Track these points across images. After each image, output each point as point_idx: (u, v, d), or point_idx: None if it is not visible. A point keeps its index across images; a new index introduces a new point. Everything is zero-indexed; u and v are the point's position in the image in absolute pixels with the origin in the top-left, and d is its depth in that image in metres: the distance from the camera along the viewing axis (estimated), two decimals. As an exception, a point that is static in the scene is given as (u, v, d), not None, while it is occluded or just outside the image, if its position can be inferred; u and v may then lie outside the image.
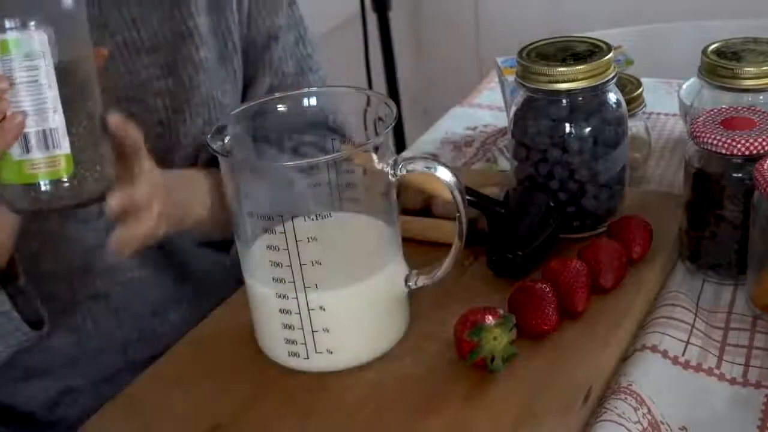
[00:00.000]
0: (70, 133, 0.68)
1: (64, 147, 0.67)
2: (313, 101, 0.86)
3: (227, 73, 0.96)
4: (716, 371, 0.77)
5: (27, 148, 0.67)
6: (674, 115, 1.19)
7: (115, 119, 0.72)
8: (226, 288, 0.98)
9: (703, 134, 0.81)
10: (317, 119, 0.88)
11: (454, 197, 0.72)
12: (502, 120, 1.24)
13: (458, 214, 0.72)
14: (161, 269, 0.95)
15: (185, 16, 0.91)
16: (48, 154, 0.67)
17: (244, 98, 0.99)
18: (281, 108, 0.81)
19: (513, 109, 0.89)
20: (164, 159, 0.85)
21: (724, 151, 0.80)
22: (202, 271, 0.98)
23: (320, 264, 0.70)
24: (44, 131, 0.67)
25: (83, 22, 0.69)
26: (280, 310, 0.73)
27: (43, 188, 0.68)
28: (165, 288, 0.96)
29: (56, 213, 0.70)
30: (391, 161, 0.72)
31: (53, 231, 0.88)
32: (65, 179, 0.68)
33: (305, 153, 0.92)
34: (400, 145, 2.04)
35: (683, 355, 0.77)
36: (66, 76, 0.67)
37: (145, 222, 0.75)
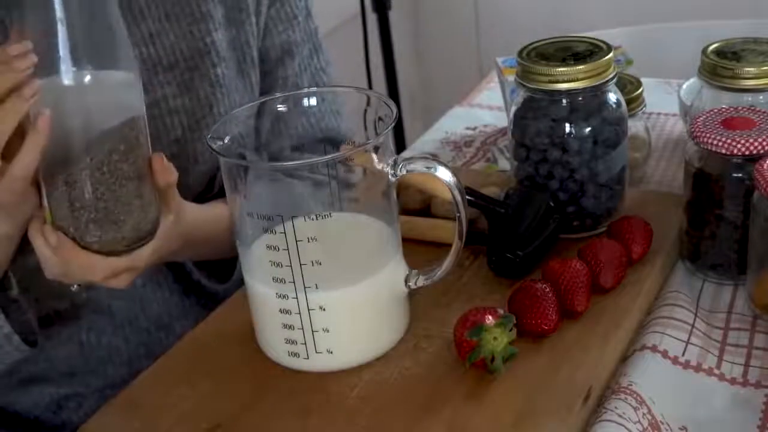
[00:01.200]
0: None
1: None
2: (313, 101, 0.86)
3: (245, 88, 0.95)
4: (716, 371, 0.77)
5: None
6: (674, 115, 1.19)
7: (158, 163, 0.73)
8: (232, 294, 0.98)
9: (703, 134, 0.81)
10: (312, 135, 0.89)
11: (454, 197, 0.72)
12: (502, 120, 1.24)
13: (458, 214, 0.72)
14: (167, 284, 0.95)
15: (203, 33, 0.91)
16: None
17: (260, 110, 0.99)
18: (281, 108, 0.81)
19: (513, 109, 0.89)
20: (179, 178, 0.85)
21: (724, 151, 0.80)
22: (209, 283, 0.98)
23: (320, 264, 0.70)
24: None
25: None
26: (280, 310, 0.73)
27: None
28: (171, 302, 0.96)
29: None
30: (391, 161, 0.72)
31: None
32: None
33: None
34: (400, 145, 2.04)
35: (683, 355, 0.77)
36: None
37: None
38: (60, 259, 0.72)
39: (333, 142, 0.94)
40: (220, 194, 0.93)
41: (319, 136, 0.92)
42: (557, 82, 0.84)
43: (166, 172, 0.73)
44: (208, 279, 0.97)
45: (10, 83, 0.65)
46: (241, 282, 0.81)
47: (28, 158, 0.67)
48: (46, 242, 0.72)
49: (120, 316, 0.93)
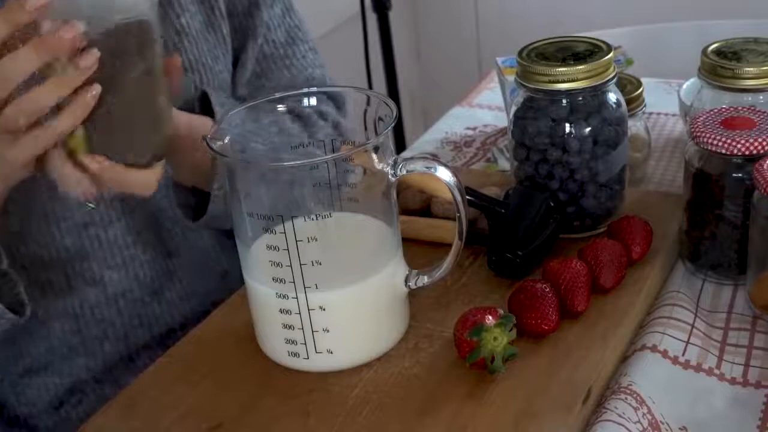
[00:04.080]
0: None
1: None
2: (313, 101, 0.86)
3: (216, 40, 0.98)
4: (716, 371, 0.77)
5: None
6: (674, 115, 1.19)
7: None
8: (217, 260, 0.99)
9: (703, 134, 0.81)
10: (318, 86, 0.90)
11: (454, 197, 0.72)
12: (502, 120, 1.24)
13: (458, 214, 0.72)
14: (152, 245, 0.96)
15: None
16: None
17: (236, 64, 1.01)
18: (280, 107, 0.81)
19: (513, 109, 0.89)
20: None
21: (724, 151, 0.80)
22: (192, 241, 0.99)
23: (320, 264, 0.70)
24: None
25: None
26: (280, 310, 0.73)
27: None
28: (157, 265, 0.96)
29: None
30: (391, 161, 0.72)
31: (37, 210, 0.88)
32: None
33: (303, 114, 0.93)
34: (400, 145, 2.04)
35: (683, 355, 0.77)
36: None
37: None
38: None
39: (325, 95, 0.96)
40: None
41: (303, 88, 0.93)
42: (557, 82, 0.84)
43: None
44: (183, 216, 0.96)
45: (75, 83, 0.68)
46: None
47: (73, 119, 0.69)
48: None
49: (112, 287, 0.94)
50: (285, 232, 0.69)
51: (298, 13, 1.06)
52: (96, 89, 0.68)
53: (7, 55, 0.67)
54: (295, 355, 0.74)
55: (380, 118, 0.73)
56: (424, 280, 0.76)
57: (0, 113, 0.68)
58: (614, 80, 0.86)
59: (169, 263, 0.98)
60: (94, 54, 0.67)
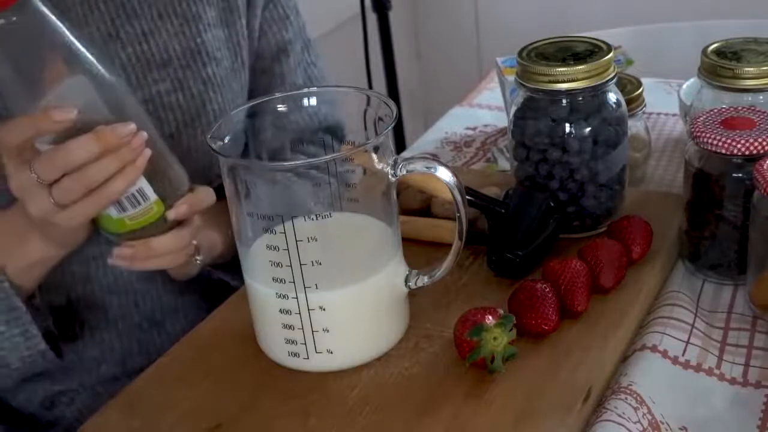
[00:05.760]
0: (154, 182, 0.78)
1: (152, 197, 0.78)
2: (313, 101, 0.86)
3: (240, 87, 0.97)
4: (716, 371, 0.77)
5: (123, 208, 0.77)
6: (674, 115, 1.19)
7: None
8: (228, 291, 0.98)
9: (703, 134, 0.81)
10: (311, 127, 0.90)
11: (454, 197, 0.72)
12: (502, 120, 1.24)
13: (458, 214, 0.72)
14: (161, 282, 0.95)
15: (194, 32, 0.92)
16: (142, 207, 0.78)
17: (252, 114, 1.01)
18: (281, 107, 0.81)
19: (513, 109, 0.89)
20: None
21: (724, 151, 0.80)
22: (202, 283, 0.98)
23: (320, 264, 0.70)
24: (135, 193, 0.77)
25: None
26: (280, 310, 0.73)
27: (144, 230, 0.80)
28: (164, 300, 0.96)
29: None
30: (391, 161, 0.72)
31: None
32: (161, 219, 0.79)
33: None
34: (400, 145, 2.04)
35: (683, 355, 0.77)
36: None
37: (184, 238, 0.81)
38: None
39: (331, 131, 0.96)
40: (218, 190, 0.94)
41: (317, 127, 0.93)
42: (557, 82, 0.84)
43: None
44: (226, 275, 0.97)
45: (127, 159, 0.74)
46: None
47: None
48: None
49: (113, 312, 0.93)
50: (285, 232, 0.69)
51: (315, 47, 1.06)
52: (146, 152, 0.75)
53: (74, 141, 0.72)
54: (295, 355, 0.74)
55: (380, 118, 0.73)
56: (424, 280, 0.76)
57: (56, 186, 0.73)
58: (614, 80, 0.86)
59: (179, 301, 0.97)
60: (142, 135, 0.74)
